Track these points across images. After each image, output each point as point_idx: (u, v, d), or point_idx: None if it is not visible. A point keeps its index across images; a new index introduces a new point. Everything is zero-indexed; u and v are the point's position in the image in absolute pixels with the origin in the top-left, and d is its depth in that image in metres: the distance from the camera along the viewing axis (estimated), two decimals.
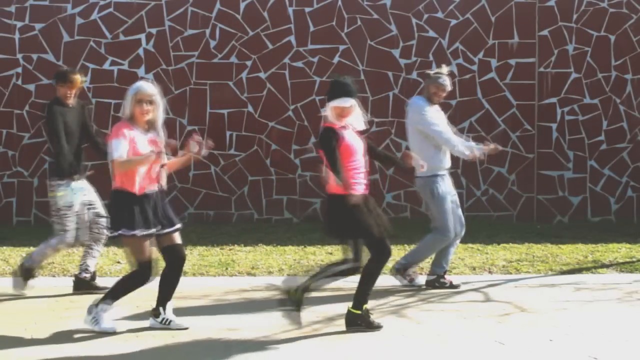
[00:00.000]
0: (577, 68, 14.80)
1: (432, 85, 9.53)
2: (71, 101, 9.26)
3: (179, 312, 8.09)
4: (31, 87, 14.08)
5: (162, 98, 7.68)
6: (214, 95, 14.19)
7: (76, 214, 9.09)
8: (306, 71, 14.43)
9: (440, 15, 14.63)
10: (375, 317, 8.04)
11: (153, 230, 7.50)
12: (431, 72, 9.66)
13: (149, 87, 7.55)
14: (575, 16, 14.78)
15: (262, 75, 14.36)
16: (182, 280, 9.49)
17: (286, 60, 14.42)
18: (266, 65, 14.37)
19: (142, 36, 14.24)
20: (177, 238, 7.72)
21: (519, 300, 8.89)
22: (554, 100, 14.80)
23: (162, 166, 7.65)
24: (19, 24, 14.06)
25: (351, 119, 7.75)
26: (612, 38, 14.85)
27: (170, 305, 7.77)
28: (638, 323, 8.01)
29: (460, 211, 9.66)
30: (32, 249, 11.67)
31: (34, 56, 14.06)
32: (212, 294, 9.00)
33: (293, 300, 7.70)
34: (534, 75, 14.72)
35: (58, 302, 8.74)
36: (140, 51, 14.17)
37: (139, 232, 7.40)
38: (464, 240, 12.33)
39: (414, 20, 14.59)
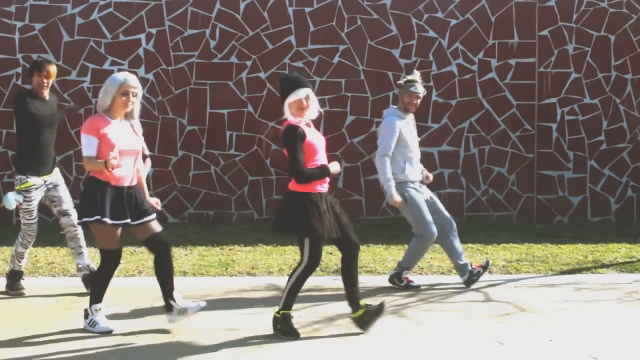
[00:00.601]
0: (577, 68, 14.80)
1: (405, 95, 9.49)
2: (45, 93, 9.12)
3: None
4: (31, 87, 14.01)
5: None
6: (214, 95, 14.18)
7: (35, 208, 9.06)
8: (306, 71, 14.40)
9: (440, 15, 14.63)
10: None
11: (123, 221, 7.48)
12: (402, 82, 9.58)
13: (134, 79, 7.55)
14: (575, 16, 14.79)
15: (262, 75, 14.35)
16: (182, 280, 9.58)
17: (286, 60, 14.42)
18: (266, 65, 14.36)
19: (142, 36, 14.23)
20: (156, 226, 7.66)
21: (519, 300, 8.89)
22: (554, 100, 14.80)
23: (144, 158, 7.70)
24: (19, 24, 14.06)
25: (309, 112, 7.50)
26: (612, 38, 14.86)
27: (178, 293, 7.71)
28: (638, 323, 8.00)
29: (443, 210, 9.69)
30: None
31: (34, 56, 13.81)
32: (212, 294, 8.97)
33: None
34: (534, 75, 14.72)
35: (58, 302, 8.73)
36: (140, 51, 14.16)
37: (108, 220, 7.38)
38: (464, 241, 12.33)
39: (414, 20, 14.59)
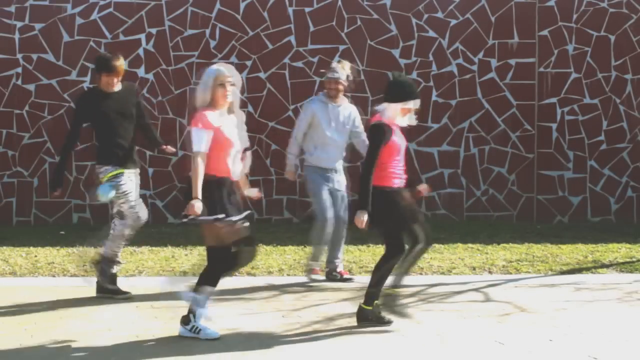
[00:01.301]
0: (577, 68, 14.80)
1: (325, 82, 9.83)
2: (113, 87, 8.84)
3: (178, 312, 8.08)
4: (31, 87, 14.06)
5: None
6: None
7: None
8: (306, 71, 14.43)
9: (440, 15, 14.63)
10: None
11: (243, 215, 7.38)
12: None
13: (227, 68, 7.44)
14: (575, 16, 14.79)
15: (262, 75, 14.36)
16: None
17: (286, 60, 14.42)
18: (266, 65, 14.37)
19: (142, 36, 14.23)
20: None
21: (519, 300, 8.89)
22: (554, 100, 14.80)
23: (244, 150, 7.57)
24: (19, 24, 14.06)
25: (410, 117, 7.91)
26: (612, 38, 14.86)
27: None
28: (638, 323, 8.01)
29: (343, 211, 9.83)
30: (31, 249, 11.78)
31: (34, 56, 14.05)
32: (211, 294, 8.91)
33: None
34: (534, 75, 14.72)
35: (58, 302, 8.69)
36: (140, 51, 14.16)
37: (233, 218, 7.28)
38: (464, 240, 12.47)
39: (414, 20, 14.59)
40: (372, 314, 7.72)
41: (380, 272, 7.72)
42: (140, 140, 9.24)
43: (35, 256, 11.28)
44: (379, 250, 11.76)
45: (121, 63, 8.82)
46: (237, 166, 7.45)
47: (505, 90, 14.63)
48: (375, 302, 7.75)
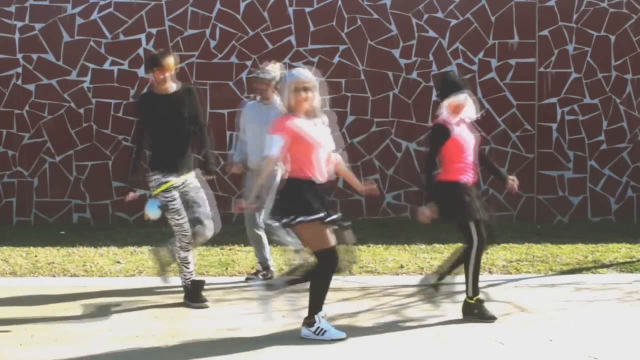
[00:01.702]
0: (577, 68, 14.80)
1: (253, 82, 9.84)
2: (168, 87, 8.57)
3: (178, 312, 8.12)
4: (31, 87, 14.08)
5: (321, 82, 7.57)
6: (214, 95, 14.19)
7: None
8: None
9: (440, 15, 14.63)
10: (375, 317, 8.13)
11: (334, 217, 7.37)
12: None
13: (305, 74, 7.37)
14: (575, 16, 14.79)
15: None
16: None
17: (286, 60, 14.30)
18: None
19: (142, 36, 14.25)
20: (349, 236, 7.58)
21: (519, 300, 8.91)
22: (554, 100, 14.81)
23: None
24: (19, 24, 14.08)
25: (466, 111, 8.18)
26: (612, 38, 14.86)
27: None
28: (638, 323, 8.02)
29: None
30: (31, 249, 11.80)
31: (34, 56, 14.07)
32: (212, 294, 8.96)
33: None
34: (534, 75, 14.72)
35: (58, 302, 8.72)
36: (141, 51, 14.17)
37: (323, 217, 7.25)
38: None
39: (414, 20, 14.60)
40: (476, 307, 8.08)
41: (469, 266, 8.10)
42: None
43: (36, 256, 11.30)
44: (379, 250, 11.89)
45: (171, 59, 8.54)
46: (327, 167, 7.48)
47: (505, 90, 14.64)
48: (477, 297, 8.12)
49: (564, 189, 14.87)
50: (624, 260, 11.39)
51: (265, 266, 9.94)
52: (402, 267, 10.64)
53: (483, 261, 10.84)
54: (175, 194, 8.46)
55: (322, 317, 7.46)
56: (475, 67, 14.68)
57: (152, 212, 8.37)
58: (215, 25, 14.32)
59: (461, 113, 8.16)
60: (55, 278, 10.14)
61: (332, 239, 7.32)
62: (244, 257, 11.34)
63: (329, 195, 7.55)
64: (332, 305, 8.58)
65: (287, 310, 8.30)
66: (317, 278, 7.44)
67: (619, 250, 12.06)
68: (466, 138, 8.15)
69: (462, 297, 9.09)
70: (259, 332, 7.58)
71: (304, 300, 8.81)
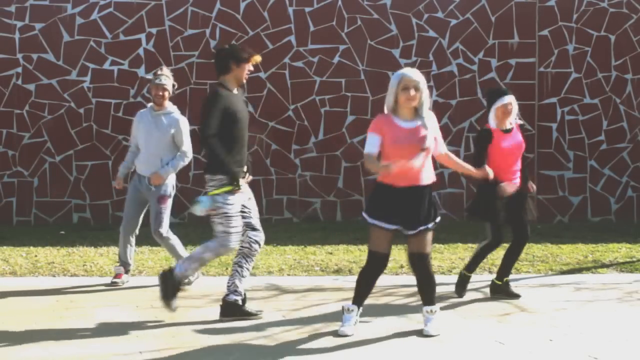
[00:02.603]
0: (577, 68, 14.84)
1: (152, 88, 9.60)
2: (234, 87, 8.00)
3: (178, 312, 8.08)
4: (31, 86, 14.09)
5: (427, 83, 7.57)
6: None
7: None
8: (306, 71, 14.47)
9: (440, 15, 14.66)
10: (374, 317, 8.11)
11: (393, 227, 7.41)
12: (152, 75, 9.82)
13: (414, 73, 7.36)
14: (575, 16, 14.83)
15: (262, 75, 14.35)
16: None
17: (286, 60, 14.46)
18: (266, 65, 14.22)
19: (142, 36, 14.26)
20: (421, 244, 7.53)
21: (519, 300, 8.90)
22: (554, 100, 14.85)
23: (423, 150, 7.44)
24: (19, 24, 14.09)
25: (513, 116, 8.85)
26: (612, 38, 14.91)
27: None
28: (638, 323, 8.03)
29: (153, 220, 9.56)
30: (31, 248, 11.82)
31: (34, 56, 14.09)
32: (212, 294, 8.95)
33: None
34: (534, 75, 14.76)
35: (58, 302, 8.74)
36: (141, 51, 14.20)
37: (378, 223, 7.37)
38: (464, 240, 12.49)
39: (414, 20, 14.62)
40: (503, 288, 8.97)
41: (480, 248, 9.11)
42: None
43: (36, 256, 11.31)
44: None
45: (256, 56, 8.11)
46: (424, 168, 7.48)
47: None
48: (506, 279, 9.02)
49: (564, 189, 14.91)
50: (624, 260, 11.41)
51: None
52: (402, 267, 10.65)
53: (484, 261, 10.89)
54: (236, 198, 7.87)
55: (350, 310, 7.55)
56: (475, 67, 14.71)
57: (199, 205, 7.87)
58: (215, 25, 14.34)
59: (509, 118, 8.82)
60: (55, 278, 10.14)
61: (382, 245, 7.43)
62: None
63: (424, 198, 7.47)
64: (332, 305, 8.62)
65: (287, 310, 8.36)
66: (362, 274, 7.68)
67: (619, 250, 12.08)
68: (508, 144, 8.81)
69: (459, 300, 9.10)
70: (259, 332, 7.57)
71: (305, 300, 8.87)
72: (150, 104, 9.76)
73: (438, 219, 7.58)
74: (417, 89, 7.28)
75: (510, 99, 8.71)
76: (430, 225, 7.48)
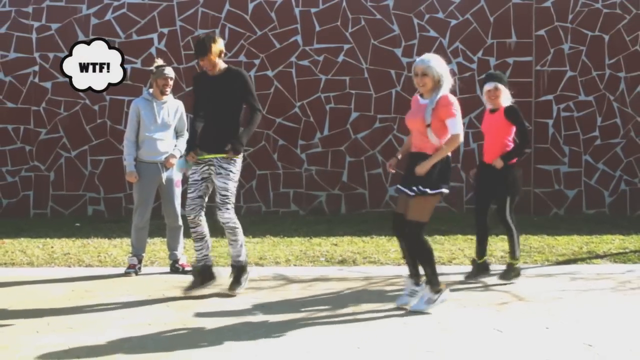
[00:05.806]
0: (572, 66, 14.89)
1: (159, 79, 9.79)
2: (214, 70, 8.64)
3: (188, 301, 8.24)
4: (47, 84, 14.28)
5: (440, 68, 7.93)
6: None
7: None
8: (312, 69, 14.58)
9: (440, 15, 14.75)
10: (374, 307, 8.15)
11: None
12: (154, 68, 9.90)
13: (422, 61, 7.92)
14: (570, 16, 14.88)
15: (270, 73, 14.50)
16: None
17: (293, 59, 14.55)
18: (273, 64, 14.49)
19: (154, 36, 14.43)
20: (405, 207, 8.12)
21: (517, 289, 8.93)
22: (550, 97, 14.91)
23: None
24: (36, 24, 14.25)
25: (501, 99, 9.47)
26: (606, 37, 14.95)
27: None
28: (631, 311, 8.05)
29: (171, 204, 9.96)
30: (48, 240, 11.84)
31: (50, 55, 14.23)
32: (221, 284, 8.91)
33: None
34: (531, 73, 14.81)
35: (74, 292, 8.82)
36: (153, 50, 14.32)
37: (447, 191, 8.08)
38: (464, 232, 12.48)
39: (415, 21, 14.71)
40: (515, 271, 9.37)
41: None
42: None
43: (52, 247, 11.47)
44: (382, 241, 11.91)
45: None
46: (421, 139, 8.21)
47: None
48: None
49: (559, 182, 14.97)
50: (617, 251, 11.47)
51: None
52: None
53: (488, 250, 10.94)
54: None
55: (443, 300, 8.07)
56: (474, 66, 14.77)
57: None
58: (225, 25, 14.45)
59: (493, 101, 9.44)
60: (71, 268, 10.25)
61: (397, 206, 8.25)
62: (252, 248, 11.31)
63: (411, 164, 8.19)
64: (336, 296, 8.71)
65: (294, 299, 8.46)
66: (429, 252, 8.17)
67: (613, 242, 12.14)
68: (488, 125, 9.62)
69: (462, 286, 9.08)
70: (260, 330, 7.39)
71: (311, 290, 8.90)
72: (146, 92, 9.97)
73: (425, 190, 7.88)
74: (424, 74, 7.84)
75: (489, 86, 9.50)
76: (407, 190, 7.93)
